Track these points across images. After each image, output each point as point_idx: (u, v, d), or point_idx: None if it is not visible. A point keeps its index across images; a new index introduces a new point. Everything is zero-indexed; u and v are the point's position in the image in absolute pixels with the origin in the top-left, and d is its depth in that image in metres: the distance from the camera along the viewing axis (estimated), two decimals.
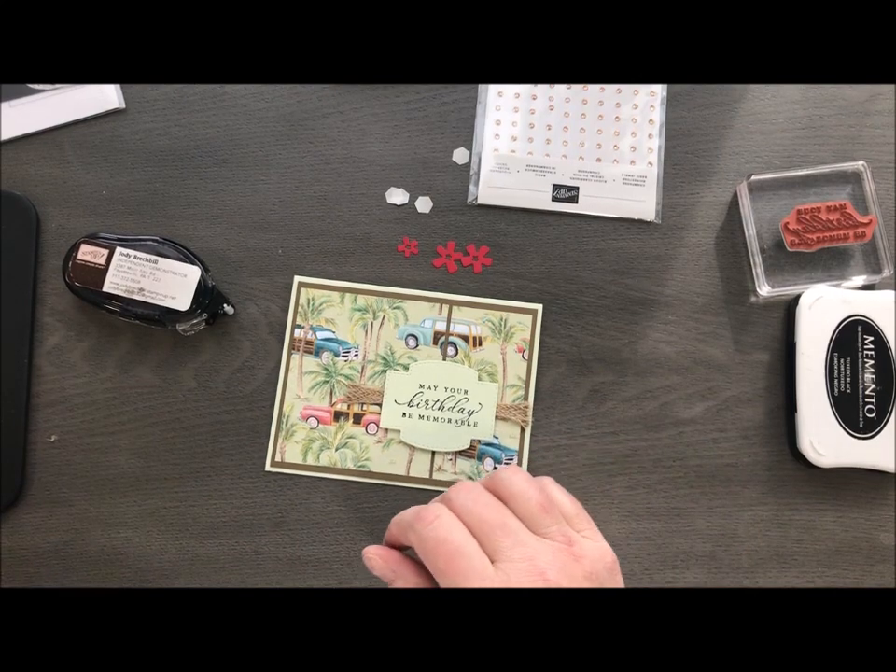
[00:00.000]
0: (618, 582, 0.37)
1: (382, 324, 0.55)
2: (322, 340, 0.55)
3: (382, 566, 0.39)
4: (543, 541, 0.36)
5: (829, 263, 0.56)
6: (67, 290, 0.53)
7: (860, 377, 0.53)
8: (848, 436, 0.52)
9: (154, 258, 0.53)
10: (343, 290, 0.55)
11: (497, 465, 0.54)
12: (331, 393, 0.55)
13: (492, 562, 0.34)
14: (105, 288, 0.52)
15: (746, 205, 0.56)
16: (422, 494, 0.54)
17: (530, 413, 0.54)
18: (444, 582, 0.34)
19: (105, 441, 0.55)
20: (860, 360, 0.53)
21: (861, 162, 0.56)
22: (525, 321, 0.55)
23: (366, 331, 0.55)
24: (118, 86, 0.57)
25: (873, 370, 0.53)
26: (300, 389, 0.55)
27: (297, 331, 0.55)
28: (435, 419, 0.54)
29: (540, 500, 0.37)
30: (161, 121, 0.57)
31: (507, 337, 0.55)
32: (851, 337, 0.53)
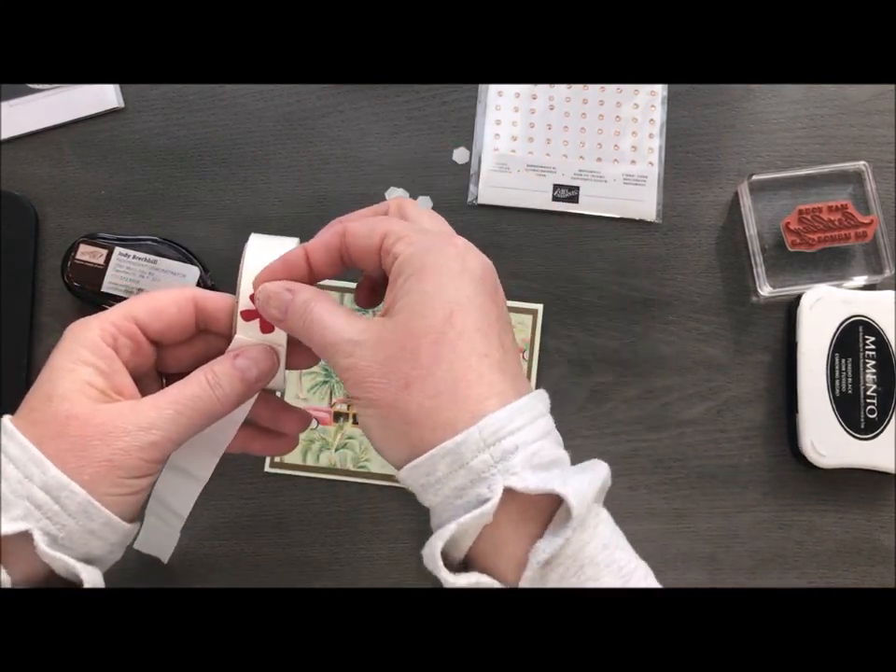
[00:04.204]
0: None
1: None
2: None
3: (275, 287, 0.35)
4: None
5: (830, 263, 0.56)
6: (66, 290, 0.53)
7: (861, 378, 0.53)
8: (850, 437, 0.52)
9: (153, 258, 0.53)
10: (343, 290, 0.55)
11: None
12: (331, 393, 0.55)
13: None
14: (104, 288, 0.52)
15: (747, 205, 0.56)
16: None
17: None
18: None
19: None
20: (861, 361, 0.53)
21: (862, 162, 0.55)
22: (525, 321, 0.55)
23: None
24: (117, 86, 0.57)
25: (874, 370, 0.53)
26: (299, 390, 0.55)
27: None
28: None
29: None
30: (160, 121, 0.57)
31: None
32: (852, 337, 0.53)
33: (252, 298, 0.36)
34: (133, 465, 0.32)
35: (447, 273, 0.32)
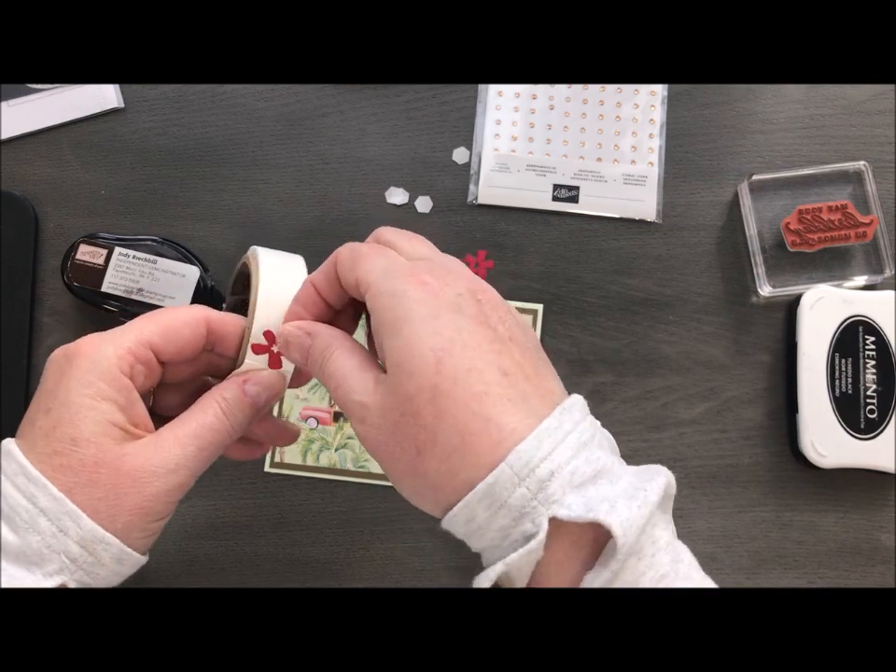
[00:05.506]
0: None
1: None
2: None
3: (295, 332, 0.34)
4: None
5: (830, 263, 0.56)
6: (66, 290, 0.53)
7: (861, 378, 0.53)
8: (850, 436, 0.52)
9: (153, 258, 0.53)
10: None
11: None
12: None
13: None
14: (104, 288, 0.52)
15: (747, 205, 0.56)
16: None
17: None
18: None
19: None
20: (861, 361, 0.53)
21: (862, 162, 0.55)
22: (525, 321, 0.55)
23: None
24: (116, 86, 0.57)
25: (874, 370, 0.53)
26: (299, 390, 0.54)
27: None
28: None
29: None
30: (160, 121, 0.57)
31: None
32: (852, 337, 0.53)
33: (265, 335, 0.35)
34: (162, 509, 0.33)
35: (419, 320, 0.30)
